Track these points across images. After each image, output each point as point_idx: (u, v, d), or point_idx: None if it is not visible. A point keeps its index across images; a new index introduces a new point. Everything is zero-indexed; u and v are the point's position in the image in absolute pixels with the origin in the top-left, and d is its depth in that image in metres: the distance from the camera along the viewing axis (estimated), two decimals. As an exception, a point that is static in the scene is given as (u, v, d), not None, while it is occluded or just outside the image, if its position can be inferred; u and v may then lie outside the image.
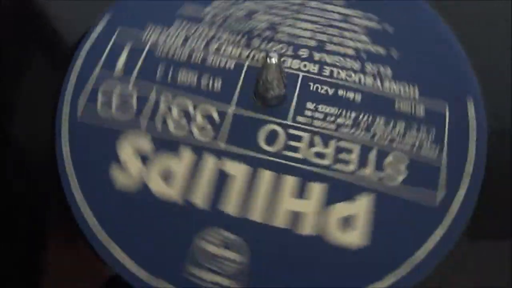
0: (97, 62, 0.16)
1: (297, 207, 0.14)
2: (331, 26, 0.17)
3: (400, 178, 0.14)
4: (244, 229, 0.14)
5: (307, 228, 0.14)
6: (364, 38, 0.16)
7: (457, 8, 0.17)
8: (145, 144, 0.15)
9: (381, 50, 0.16)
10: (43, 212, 0.14)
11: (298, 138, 0.15)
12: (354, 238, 0.13)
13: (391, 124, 0.15)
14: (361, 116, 0.15)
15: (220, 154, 0.15)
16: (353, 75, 0.16)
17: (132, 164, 0.14)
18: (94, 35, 0.16)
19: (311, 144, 0.15)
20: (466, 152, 0.15)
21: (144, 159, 0.15)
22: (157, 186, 0.14)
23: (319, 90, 0.16)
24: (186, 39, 0.16)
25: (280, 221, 0.14)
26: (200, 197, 0.14)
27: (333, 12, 0.17)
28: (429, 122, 0.15)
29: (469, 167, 0.14)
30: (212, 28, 0.17)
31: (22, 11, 0.17)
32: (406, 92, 0.16)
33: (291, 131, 0.15)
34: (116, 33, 0.16)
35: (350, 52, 0.16)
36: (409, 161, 0.14)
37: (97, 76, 0.16)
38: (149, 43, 0.16)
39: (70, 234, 0.14)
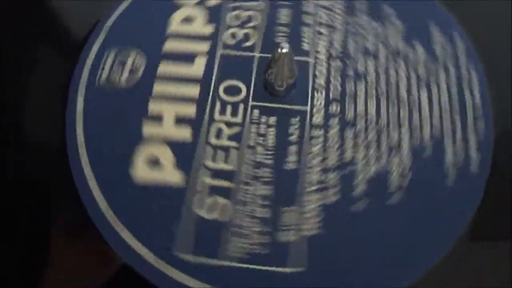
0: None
1: (166, 118, 0.15)
2: (379, 135, 0.15)
3: (200, 212, 0.14)
4: (146, 79, 0.16)
5: (147, 129, 0.15)
6: (371, 171, 0.14)
7: None
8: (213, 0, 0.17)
9: (359, 190, 0.14)
10: (51, 199, 0.14)
11: (234, 113, 0.15)
12: (143, 174, 0.14)
13: (262, 202, 0.14)
14: (267, 169, 0.14)
15: (211, 52, 0.16)
16: (317, 160, 0.14)
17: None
18: None
19: (228, 125, 0.15)
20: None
21: (200, 2, 0.17)
22: (176, 18, 0.17)
23: (291, 127, 0.15)
24: (324, 7, 0.17)
25: (152, 107, 0.15)
26: (170, 45, 0.16)
27: (400, 137, 0.15)
28: (273, 247, 0.13)
29: None
30: (344, 25, 0.17)
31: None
32: (307, 220, 0.13)
33: (240, 106, 0.15)
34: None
35: (347, 156, 0.14)
36: (220, 222, 0.13)
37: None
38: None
39: (80, 220, 0.14)
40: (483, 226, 0.13)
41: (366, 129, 0.15)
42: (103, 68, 0.16)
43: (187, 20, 0.17)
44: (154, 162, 0.14)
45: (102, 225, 0.13)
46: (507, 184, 0.14)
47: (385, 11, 0.17)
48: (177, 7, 0.17)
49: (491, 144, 0.14)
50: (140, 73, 0.16)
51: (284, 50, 0.14)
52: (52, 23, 0.17)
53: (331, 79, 0.16)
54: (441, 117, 0.15)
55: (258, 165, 0.14)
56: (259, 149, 0.14)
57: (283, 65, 0.14)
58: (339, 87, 0.15)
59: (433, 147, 0.14)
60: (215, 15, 0.17)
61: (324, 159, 0.14)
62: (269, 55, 0.16)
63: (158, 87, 0.16)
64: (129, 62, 0.16)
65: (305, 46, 0.16)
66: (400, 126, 0.15)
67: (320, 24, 0.17)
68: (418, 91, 0.15)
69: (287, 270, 0.13)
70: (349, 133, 0.15)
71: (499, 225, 0.14)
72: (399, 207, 0.13)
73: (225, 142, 0.15)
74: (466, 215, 0.13)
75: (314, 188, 0.14)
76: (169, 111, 0.15)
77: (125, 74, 0.16)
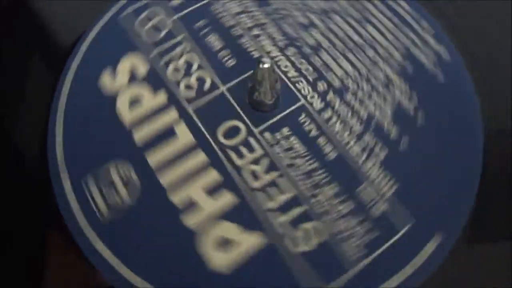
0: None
1: (198, 199, 0.14)
2: (369, 81, 0.15)
3: (301, 249, 0.13)
4: (147, 179, 0.14)
5: (191, 221, 0.14)
6: (388, 112, 0.15)
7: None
8: (142, 69, 0.16)
9: (393, 132, 0.15)
10: (36, 219, 0.14)
11: (250, 149, 0.15)
12: (223, 261, 0.13)
13: (340, 199, 0.14)
14: (319, 172, 0.14)
15: (183, 115, 0.15)
16: (346, 134, 0.15)
17: (122, 75, 0.16)
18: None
19: (256, 162, 0.14)
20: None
21: (132, 78, 0.16)
22: (122, 105, 0.15)
23: (305, 125, 0.15)
24: (241, 13, 0.17)
25: (177, 199, 0.14)
26: (139, 135, 0.15)
27: (383, 72, 0.16)
28: (378, 225, 0.13)
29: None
30: (268, 17, 0.17)
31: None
32: (381, 184, 0.14)
33: (251, 139, 0.15)
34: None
35: (363, 114, 0.15)
36: (324, 242, 0.13)
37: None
38: (213, -3, 0.17)
39: (62, 237, 0.13)
40: (480, 228, 0.14)
41: (357, 84, 0.15)
42: (94, 200, 0.14)
43: (135, 102, 0.15)
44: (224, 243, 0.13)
45: (83, 242, 0.13)
46: (502, 186, 0.14)
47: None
48: (115, 95, 0.15)
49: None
50: (135, 180, 0.14)
51: (266, 66, 0.14)
52: (39, 29, 0.17)
53: (298, 65, 0.16)
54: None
55: (309, 174, 0.14)
56: (298, 161, 0.14)
57: (269, 81, 0.14)
58: (309, 67, 0.16)
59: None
60: (155, 81, 0.16)
61: (350, 130, 0.15)
62: (234, 82, 0.16)
63: (166, 179, 0.14)
64: (115, 177, 0.14)
65: (256, 54, 0.16)
66: (376, 62, 0.16)
67: (249, 28, 0.17)
68: (365, 28, 0.17)
69: (402, 232, 0.13)
70: (349, 96, 0.15)
71: (496, 226, 0.14)
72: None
73: (266, 178, 0.14)
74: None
75: (364, 157, 0.14)
76: (195, 191, 0.14)
77: (122, 191, 0.14)
